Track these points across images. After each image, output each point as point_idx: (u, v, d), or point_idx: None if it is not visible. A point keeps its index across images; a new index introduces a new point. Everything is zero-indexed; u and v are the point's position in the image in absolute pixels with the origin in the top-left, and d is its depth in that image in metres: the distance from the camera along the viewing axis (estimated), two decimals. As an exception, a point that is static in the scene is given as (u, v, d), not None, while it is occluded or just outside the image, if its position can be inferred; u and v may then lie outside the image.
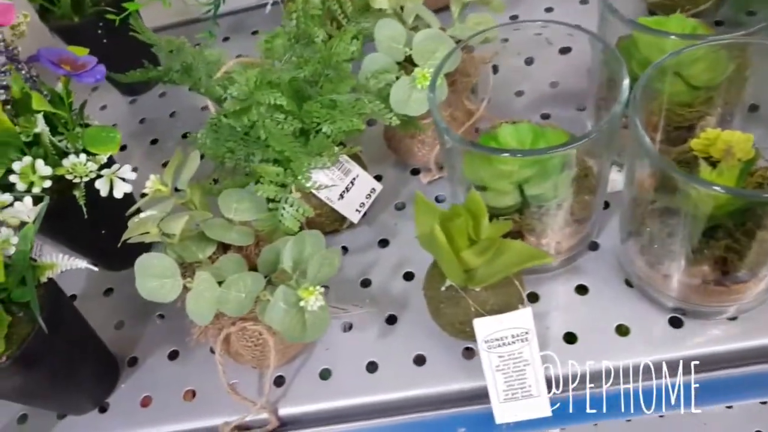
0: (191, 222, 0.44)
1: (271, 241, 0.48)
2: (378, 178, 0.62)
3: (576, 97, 0.61)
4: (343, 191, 0.55)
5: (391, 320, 0.53)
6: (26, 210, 0.45)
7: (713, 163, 0.44)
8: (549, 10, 0.75)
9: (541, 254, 0.43)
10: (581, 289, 0.51)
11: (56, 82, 0.52)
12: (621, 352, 0.47)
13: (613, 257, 0.52)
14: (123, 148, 0.75)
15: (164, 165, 0.72)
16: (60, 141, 0.50)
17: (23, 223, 0.45)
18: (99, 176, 0.49)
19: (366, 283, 0.56)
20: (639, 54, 0.50)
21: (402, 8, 0.57)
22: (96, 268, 0.48)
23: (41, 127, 0.48)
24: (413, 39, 0.53)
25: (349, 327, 0.54)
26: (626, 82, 0.42)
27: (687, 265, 0.44)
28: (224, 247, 0.48)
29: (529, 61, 0.57)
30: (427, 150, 0.60)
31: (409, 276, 0.56)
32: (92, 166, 0.49)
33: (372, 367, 0.51)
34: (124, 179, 0.50)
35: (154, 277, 0.44)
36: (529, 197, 0.47)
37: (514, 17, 0.74)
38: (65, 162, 0.49)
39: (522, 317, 0.43)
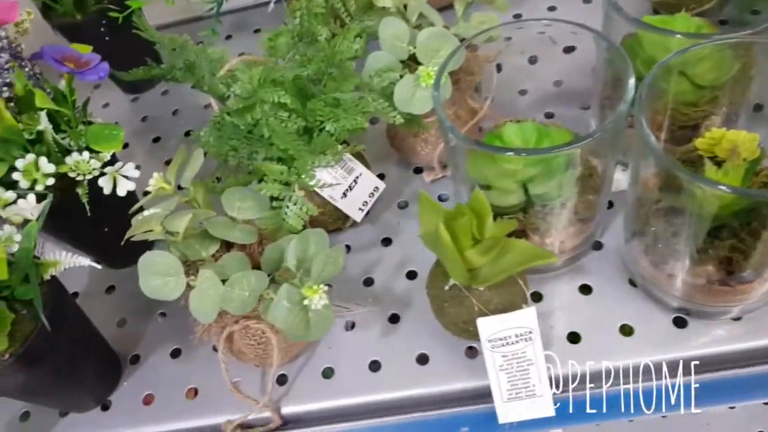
0: (195, 220, 0.44)
1: (274, 239, 0.48)
2: (381, 176, 0.62)
3: (580, 96, 0.60)
4: (346, 190, 0.55)
5: (394, 319, 0.53)
6: (30, 207, 0.45)
7: (718, 163, 0.43)
8: (552, 8, 0.75)
9: (545, 254, 0.42)
10: (585, 289, 0.51)
11: (59, 79, 0.52)
12: (625, 352, 0.47)
13: (617, 257, 0.52)
14: (125, 146, 0.75)
15: (167, 163, 0.72)
16: (63, 138, 0.50)
17: (26, 221, 0.45)
18: (102, 174, 0.49)
19: (369, 282, 0.56)
20: (643, 53, 0.50)
21: (405, 6, 0.57)
22: (99, 266, 0.48)
23: (44, 124, 0.48)
24: (417, 37, 0.53)
25: (351, 326, 0.54)
26: (632, 81, 0.42)
27: (691, 264, 0.44)
28: (227, 246, 0.48)
29: (532, 60, 0.57)
30: (431, 149, 0.60)
31: (411, 275, 0.56)
32: (95, 164, 0.49)
33: (375, 366, 0.51)
34: (127, 177, 0.49)
35: (158, 275, 0.44)
36: (533, 196, 0.47)
37: (517, 16, 0.74)
38: (68, 159, 0.49)
39: (526, 317, 0.43)
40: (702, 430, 0.78)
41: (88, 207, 0.49)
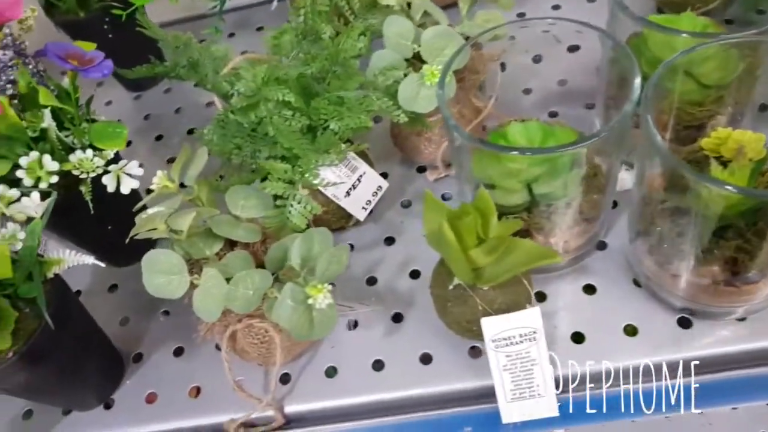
0: (198, 218, 0.44)
1: (278, 238, 0.48)
2: (384, 175, 0.62)
3: (584, 95, 0.60)
4: (350, 189, 0.55)
5: (397, 318, 0.53)
6: (34, 205, 0.45)
7: (724, 163, 0.43)
8: (556, 7, 0.75)
9: (550, 253, 0.42)
10: (589, 289, 0.51)
11: (62, 77, 0.52)
12: (629, 352, 0.47)
13: (622, 257, 0.52)
14: (128, 144, 0.74)
15: (169, 161, 0.72)
16: (66, 136, 0.50)
17: (30, 219, 0.45)
18: (106, 172, 0.49)
19: (372, 281, 0.56)
20: (648, 52, 0.50)
21: (409, 5, 0.57)
22: (103, 264, 0.48)
23: (48, 122, 0.48)
24: (422, 36, 0.52)
25: (354, 325, 0.54)
26: (638, 80, 0.42)
27: (697, 265, 0.44)
28: (231, 244, 0.48)
29: (537, 59, 0.57)
30: (434, 147, 0.59)
31: (415, 274, 0.56)
32: (99, 162, 0.49)
33: (378, 365, 0.51)
34: (130, 175, 0.49)
35: (162, 274, 0.44)
36: (538, 196, 0.47)
37: (521, 15, 0.74)
38: (72, 157, 0.49)
39: (530, 316, 0.43)
40: (704, 431, 0.78)
41: (91, 205, 0.49)
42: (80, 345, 0.50)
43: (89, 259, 0.46)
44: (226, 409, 0.51)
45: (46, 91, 0.48)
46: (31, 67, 0.51)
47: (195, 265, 0.46)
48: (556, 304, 0.51)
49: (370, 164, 0.57)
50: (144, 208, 0.47)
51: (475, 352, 0.50)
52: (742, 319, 0.47)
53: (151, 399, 0.54)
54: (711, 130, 0.44)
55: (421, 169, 0.63)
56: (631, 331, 0.48)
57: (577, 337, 0.48)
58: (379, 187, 0.57)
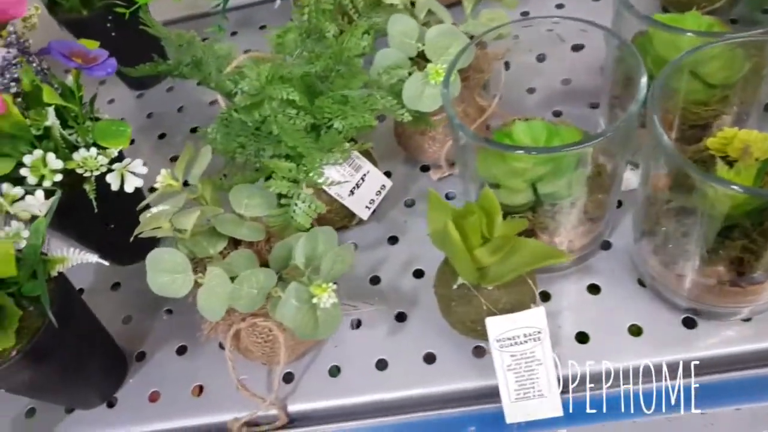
0: (203, 217, 0.44)
1: (281, 237, 0.48)
2: (387, 174, 0.62)
3: (588, 95, 0.60)
4: (354, 188, 0.54)
5: (401, 318, 0.53)
6: (38, 204, 0.45)
7: (730, 163, 0.43)
8: (560, 6, 0.75)
9: (556, 253, 0.42)
10: (593, 289, 0.51)
11: (64, 75, 0.52)
12: (633, 352, 0.46)
13: (626, 256, 0.52)
14: (131, 142, 0.74)
15: (172, 159, 0.72)
16: (70, 135, 0.50)
17: (34, 217, 0.45)
18: (109, 170, 0.49)
19: (375, 281, 0.56)
20: (653, 51, 0.50)
21: (413, 3, 0.57)
22: (107, 263, 0.48)
23: (52, 120, 0.48)
24: (426, 34, 0.52)
25: (357, 324, 0.53)
26: (644, 79, 0.42)
27: (702, 265, 0.44)
28: (235, 243, 0.48)
29: (540, 58, 0.57)
30: (438, 146, 0.59)
31: (418, 273, 0.55)
32: (103, 160, 0.49)
33: (381, 364, 0.51)
34: (135, 173, 0.49)
35: (166, 272, 0.43)
36: (543, 195, 0.47)
37: (524, 14, 0.74)
38: (76, 156, 0.49)
39: (535, 316, 0.43)
40: (707, 431, 0.78)
41: (95, 204, 0.49)
42: (83, 343, 0.50)
43: (93, 258, 0.46)
44: (229, 408, 0.51)
45: (50, 89, 0.48)
46: (35, 65, 0.51)
47: (199, 264, 0.46)
48: (561, 303, 0.51)
49: (374, 163, 0.57)
50: (147, 206, 0.46)
51: (479, 352, 0.50)
52: (748, 320, 0.47)
53: (154, 398, 0.54)
54: (717, 130, 0.44)
55: (425, 168, 0.63)
56: (635, 331, 0.48)
57: (582, 337, 0.48)
58: (383, 186, 0.56)
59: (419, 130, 0.58)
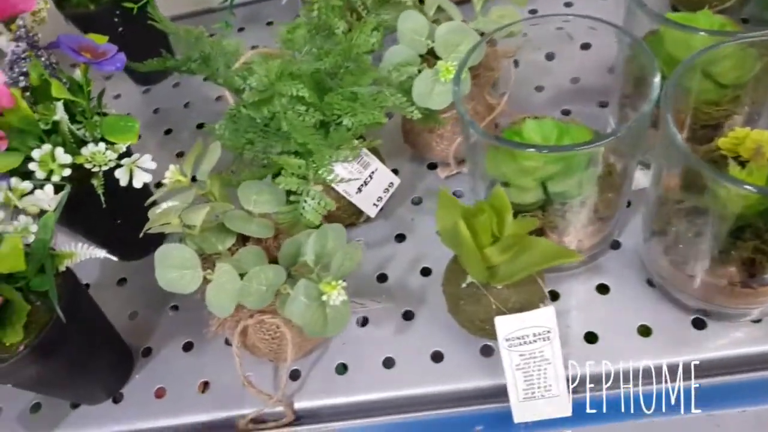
0: (212, 213, 0.44)
1: (290, 233, 0.47)
2: (395, 172, 0.61)
3: (597, 94, 0.60)
4: (362, 185, 0.54)
5: (408, 316, 0.53)
6: (47, 198, 0.45)
7: (741, 163, 0.43)
8: (568, 4, 0.74)
9: (567, 252, 0.42)
10: (602, 288, 0.51)
11: (71, 69, 0.52)
12: (642, 353, 0.46)
13: (635, 256, 0.51)
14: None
15: (178, 155, 0.72)
16: (78, 129, 0.50)
17: (42, 212, 0.45)
18: (118, 165, 0.49)
19: (382, 278, 0.56)
20: (664, 50, 0.49)
21: (422, 0, 0.56)
22: (115, 258, 0.48)
23: (60, 114, 0.48)
24: (436, 32, 0.52)
25: (364, 322, 0.53)
26: (657, 78, 0.41)
27: (713, 265, 0.44)
28: (243, 239, 0.47)
29: (549, 57, 0.57)
30: (446, 144, 0.59)
31: (426, 271, 0.55)
32: (111, 155, 0.49)
33: (389, 362, 0.51)
34: (143, 169, 0.49)
35: (174, 268, 0.43)
36: (553, 194, 0.46)
37: (533, 11, 0.74)
38: (84, 150, 0.48)
39: (544, 316, 0.42)
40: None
41: (103, 198, 0.49)
42: (90, 339, 0.50)
43: (101, 253, 0.46)
44: (235, 404, 0.51)
45: (59, 84, 0.48)
46: (43, 59, 0.50)
47: (207, 260, 0.46)
48: (569, 303, 0.50)
49: (381, 160, 0.56)
50: (155, 202, 0.46)
51: (487, 351, 0.49)
52: (758, 321, 0.47)
53: (160, 394, 0.53)
54: (728, 130, 0.44)
55: (432, 166, 0.63)
56: (644, 331, 0.48)
57: (590, 337, 0.48)
58: (391, 183, 0.56)
59: (427, 127, 0.58)
